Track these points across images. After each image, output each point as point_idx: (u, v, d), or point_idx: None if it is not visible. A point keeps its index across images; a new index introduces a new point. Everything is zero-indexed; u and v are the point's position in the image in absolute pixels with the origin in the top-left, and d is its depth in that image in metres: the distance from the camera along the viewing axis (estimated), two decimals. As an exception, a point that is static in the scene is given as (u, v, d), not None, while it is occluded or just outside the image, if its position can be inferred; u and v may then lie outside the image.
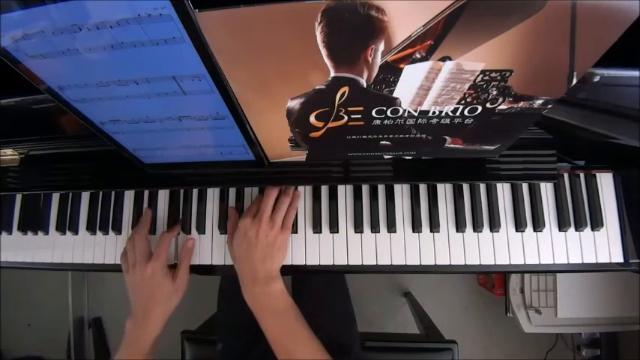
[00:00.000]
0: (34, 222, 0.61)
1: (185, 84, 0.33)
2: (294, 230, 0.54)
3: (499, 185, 0.53)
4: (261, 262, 0.48)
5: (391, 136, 0.41)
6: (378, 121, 0.37)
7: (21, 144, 0.55)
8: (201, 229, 0.56)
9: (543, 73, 0.30)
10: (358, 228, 0.54)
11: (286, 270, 0.55)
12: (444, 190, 0.54)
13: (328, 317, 0.66)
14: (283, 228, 0.50)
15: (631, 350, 1.07)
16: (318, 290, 0.69)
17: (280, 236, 0.50)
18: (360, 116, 0.36)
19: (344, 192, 0.55)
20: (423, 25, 0.25)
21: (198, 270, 0.56)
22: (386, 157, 0.48)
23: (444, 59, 0.29)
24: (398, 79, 0.31)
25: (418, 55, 0.28)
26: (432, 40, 0.27)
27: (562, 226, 0.51)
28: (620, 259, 0.50)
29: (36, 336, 1.43)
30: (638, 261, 0.50)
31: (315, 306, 0.67)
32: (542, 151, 0.49)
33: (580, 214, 0.51)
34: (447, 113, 0.36)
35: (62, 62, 0.30)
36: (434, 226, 0.53)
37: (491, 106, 0.34)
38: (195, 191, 0.57)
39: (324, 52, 0.28)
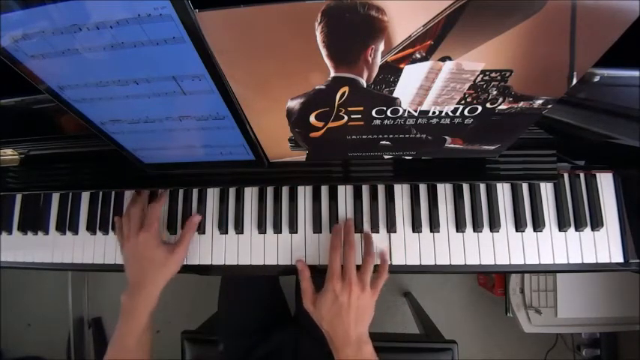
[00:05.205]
0: (34, 222, 0.61)
1: (185, 84, 0.33)
2: (294, 230, 0.55)
3: (499, 185, 0.53)
4: (353, 326, 0.47)
5: (391, 136, 0.41)
6: (378, 121, 0.37)
7: (21, 144, 0.55)
8: (200, 229, 0.56)
9: (543, 73, 0.30)
10: (358, 228, 0.54)
11: (286, 271, 0.55)
12: (444, 190, 0.54)
13: None
14: (373, 290, 0.49)
15: (631, 350, 1.07)
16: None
17: (371, 299, 0.49)
18: (360, 116, 0.36)
19: (344, 192, 0.55)
20: (423, 25, 0.25)
21: (197, 270, 0.56)
22: (386, 157, 0.48)
23: (444, 59, 0.29)
24: (398, 79, 0.31)
25: (418, 55, 0.28)
26: (432, 40, 0.27)
27: (562, 226, 0.51)
28: (620, 259, 0.50)
29: (36, 336, 1.43)
30: (638, 261, 0.50)
31: None
32: (542, 151, 0.49)
33: (580, 214, 0.51)
34: (447, 113, 0.36)
35: (62, 62, 0.30)
36: (434, 226, 0.53)
37: (491, 106, 0.34)
38: (195, 191, 0.57)
39: (324, 52, 0.28)
